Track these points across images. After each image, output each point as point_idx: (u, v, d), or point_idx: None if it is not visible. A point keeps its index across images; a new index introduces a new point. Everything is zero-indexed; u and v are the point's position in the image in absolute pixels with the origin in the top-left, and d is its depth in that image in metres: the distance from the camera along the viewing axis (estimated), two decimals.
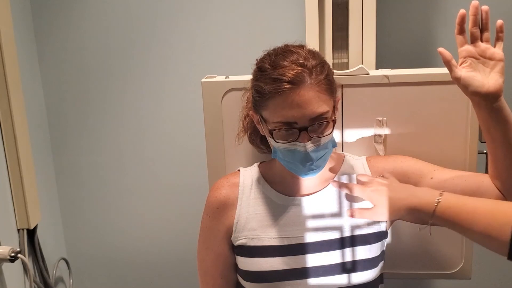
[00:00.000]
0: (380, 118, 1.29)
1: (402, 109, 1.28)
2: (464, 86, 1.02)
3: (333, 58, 1.49)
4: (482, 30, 1.02)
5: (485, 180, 1.11)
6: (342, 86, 1.26)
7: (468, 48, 1.03)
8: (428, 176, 1.14)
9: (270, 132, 1.07)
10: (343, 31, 1.48)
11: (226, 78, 1.32)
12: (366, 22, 1.44)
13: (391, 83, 1.27)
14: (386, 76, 1.27)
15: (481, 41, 1.02)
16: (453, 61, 1.02)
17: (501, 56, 1.01)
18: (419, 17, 1.69)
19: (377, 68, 1.41)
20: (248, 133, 1.25)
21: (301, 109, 1.02)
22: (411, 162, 1.18)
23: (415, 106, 1.27)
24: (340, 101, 1.25)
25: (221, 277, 1.20)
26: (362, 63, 1.46)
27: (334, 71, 1.14)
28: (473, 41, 1.03)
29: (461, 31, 1.03)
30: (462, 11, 1.02)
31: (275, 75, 1.04)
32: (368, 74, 1.27)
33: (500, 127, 1.02)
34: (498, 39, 1.02)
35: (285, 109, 1.03)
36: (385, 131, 1.29)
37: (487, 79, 1.01)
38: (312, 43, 1.37)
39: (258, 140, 1.24)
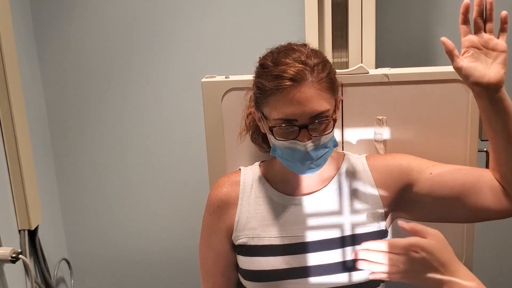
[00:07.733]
0: (380, 117, 1.29)
1: (402, 108, 1.28)
2: (465, 76, 1.02)
3: (333, 57, 1.49)
4: (485, 21, 1.02)
5: (484, 174, 1.11)
6: (342, 85, 1.26)
7: (471, 38, 1.03)
8: (427, 171, 1.14)
9: (270, 129, 1.07)
10: (342, 30, 1.48)
11: (226, 78, 1.32)
12: (365, 21, 1.44)
13: (391, 82, 1.27)
14: (386, 75, 1.27)
15: (485, 31, 1.02)
16: (455, 51, 1.02)
17: (504, 47, 1.01)
18: (418, 16, 1.69)
19: (376, 67, 1.41)
20: (250, 132, 1.25)
21: (301, 106, 1.02)
22: (409, 159, 1.18)
23: (415, 105, 1.27)
24: (341, 101, 1.25)
25: (222, 275, 1.20)
26: (361, 62, 1.46)
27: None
28: (477, 31, 1.03)
29: (465, 21, 1.03)
30: (466, 1, 1.01)
31: (276, 72, 1.04)
32: (368, 73, 1.27)
33: (500, 118, 1.03)
34: (502, 30, 1.02)
35: (285, 106, 1.03)
36: (385, 130, 1.29)
37: (489, 69, 1.01)
38: (311, 43, 1.37)
39: (260, 139, 1.24)
